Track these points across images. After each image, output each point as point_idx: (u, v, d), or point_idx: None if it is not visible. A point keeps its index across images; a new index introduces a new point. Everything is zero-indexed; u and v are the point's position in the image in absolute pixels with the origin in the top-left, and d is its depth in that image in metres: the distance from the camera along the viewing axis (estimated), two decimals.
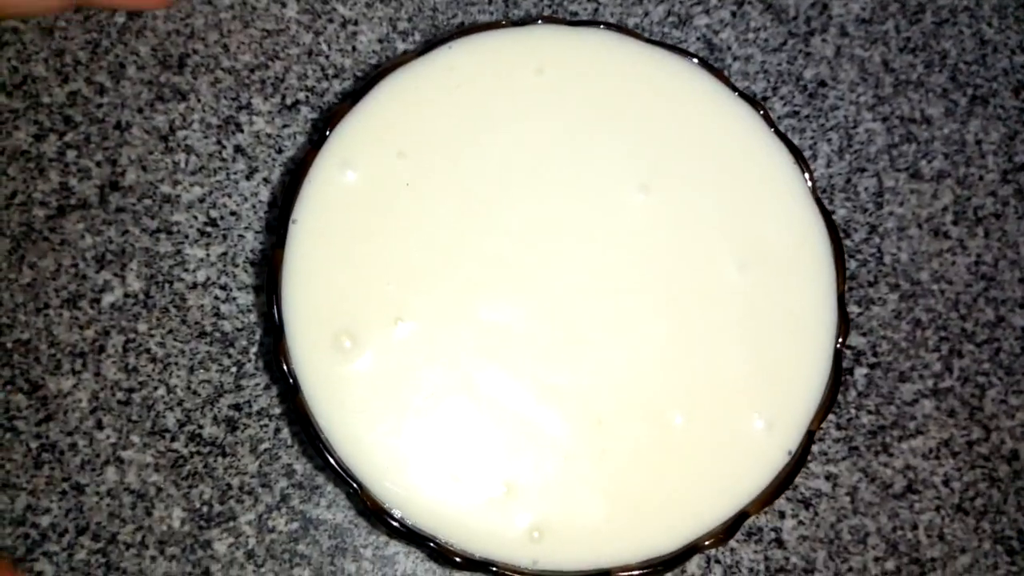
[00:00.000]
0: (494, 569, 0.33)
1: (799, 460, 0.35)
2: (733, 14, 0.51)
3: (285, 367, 0.35)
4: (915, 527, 0.45)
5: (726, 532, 0.34)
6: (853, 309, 0.47)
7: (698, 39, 0.51)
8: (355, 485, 0.34)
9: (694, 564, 0.43)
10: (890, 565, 0.44)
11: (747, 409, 0.36)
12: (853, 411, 0.46)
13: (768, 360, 0.37)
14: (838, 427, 0.46)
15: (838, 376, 0.36)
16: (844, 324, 0.37)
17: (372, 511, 0.33)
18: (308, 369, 0.35)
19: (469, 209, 0.38)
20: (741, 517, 0.34)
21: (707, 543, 0.34)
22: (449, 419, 0.35)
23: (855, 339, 0.47)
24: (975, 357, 0.48)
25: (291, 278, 0.36)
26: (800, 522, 0.44)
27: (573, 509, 0.34)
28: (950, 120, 0.51)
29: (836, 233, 0.39)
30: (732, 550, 0.44)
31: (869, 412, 0.46)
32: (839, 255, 0.38)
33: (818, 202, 0.40)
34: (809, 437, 0.36)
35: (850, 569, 0.44)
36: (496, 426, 0.35)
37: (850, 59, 0.52)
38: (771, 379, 0.37)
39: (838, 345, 0.37)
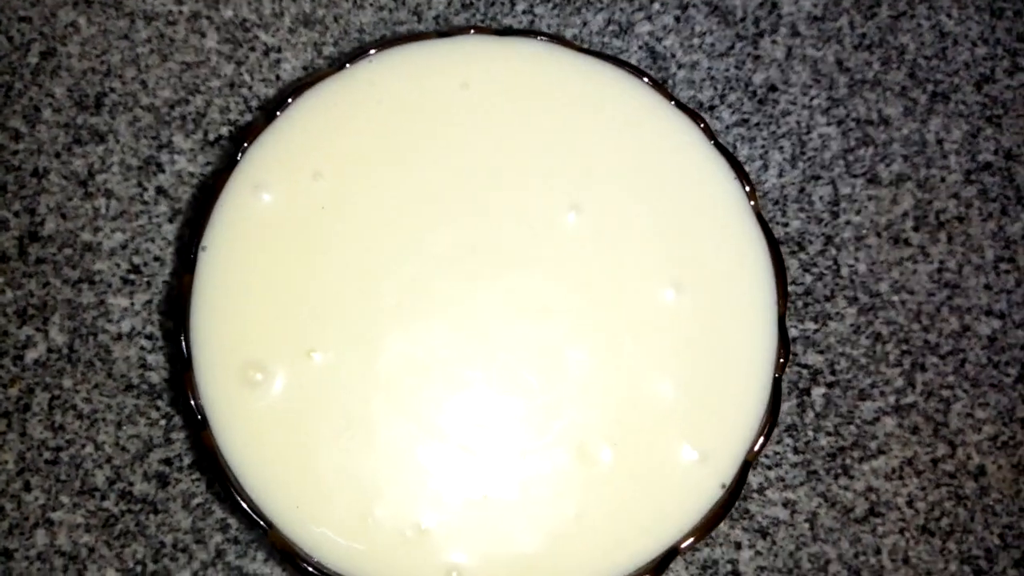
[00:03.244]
0: None
1: (733, 493, 0.34)
2: (677, 19, 0.49)
3: (192, 401, 0.33)
4: (878, 552, 0.43)
5: (655, 569, 0.32)
6: (809, 326, 0.45)
7: (640, 47, 0.48)
8: (264, 525, 0.32)
9: None
10: None
11: (679, 439, 0.35)
12: (811, 433, 0.44)
13: (703, 387, 0.35)
14: (795, 451, 0.44)
15: (776, 404, 0.34)
16: (784, 348, 0.35)
17: (282, 552, 0.32)
18: (216, 403, 0.33)
19: (388, 233, 0.36)
20: (671, 554, 0.33)
21: None
22: (363, 455, 0.33)
23: (811, 357, 0.45)
24: (939, 370, 0.46)
25: (200, 308, 0.34)
26: (757, 552, 0.43)
27: (492, 549, 0.33)
28: (909, 119, 0.49)
29: (778, 252, 0.37)
30: None
31: (828, 433, 0.44)
32: (780, 275, 0.36)
33: (759, 218, 0.38)
34: (744, 468, 0.34)
35: None
36: (413, 462, 0.34)
37: (802, 60, 0.49)
38: (706, 407, 0.35)
39: (776, 372, 0.35)
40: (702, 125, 0.38)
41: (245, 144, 0.35)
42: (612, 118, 0.38)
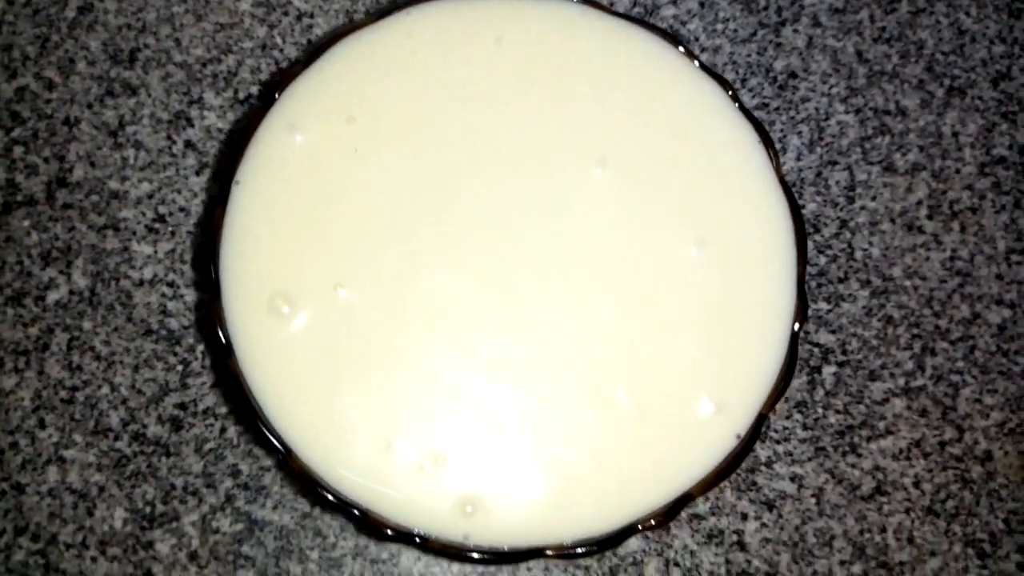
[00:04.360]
0: (423, 542, 0.31)
1: (747, 444, 0.34)
2: (701, 4, 0.50)
3: (219, 330, 0.33)
4: (883, 530, 0.44)
5: (666, 514, 0.33)
6: (822, 306, 0.46)
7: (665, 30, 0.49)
8: (283, 450, 0.33)
9: (652, 568, 0.42)
10: (857, 569, 0.43)
11: (697, 390, 0.35)
12: (820, 411, 0.45)
13: (722, 341, 0.36)
14: (804, 427, 0.44)
15: (793, 360, 0.35)
16: (803, 308, 0.35)
17: (299, 477, 0.32)
18: (243, 332, 0.34)
19: (418, 178, 0.37)
20: (683, 500, 0.33)
21: (645, 525, 0.32)
22: (385, 389, 0.34)
23: (824, 337, 0.45)
24: (949, 355, 0.46)
25: (230, 239, 0.35)
26: (763, 524, 0.43)
27: (508, 485, 0.33)
28: (926, 112, 0.50)
29: (799, 215, 0.38)
30: (692, 552, 0.42)
31: (837, 412, 0.45)
32: (801, 238, 0.37)
33: (782, 183, 0.39)
34: (759, 421, 0.34)
35: (815, 573, 0.43)
36: (433, 397, 0.34)
37: (822, 50, 0.50)
38: (724, 361, 0.36)
39: (795, 329, 0.35)
40: (730, 92, 0.39)
41: (282, 86, 0.36)
42: (641, 80, 0.39)
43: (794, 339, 0.35)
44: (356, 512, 0.31)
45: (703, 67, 0.39)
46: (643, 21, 0.40)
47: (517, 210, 0.36)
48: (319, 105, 0.36)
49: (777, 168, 0.37)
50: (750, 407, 0.34)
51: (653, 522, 0.33)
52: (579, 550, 0.32)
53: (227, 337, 0.33)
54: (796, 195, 0.47)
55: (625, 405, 0.34)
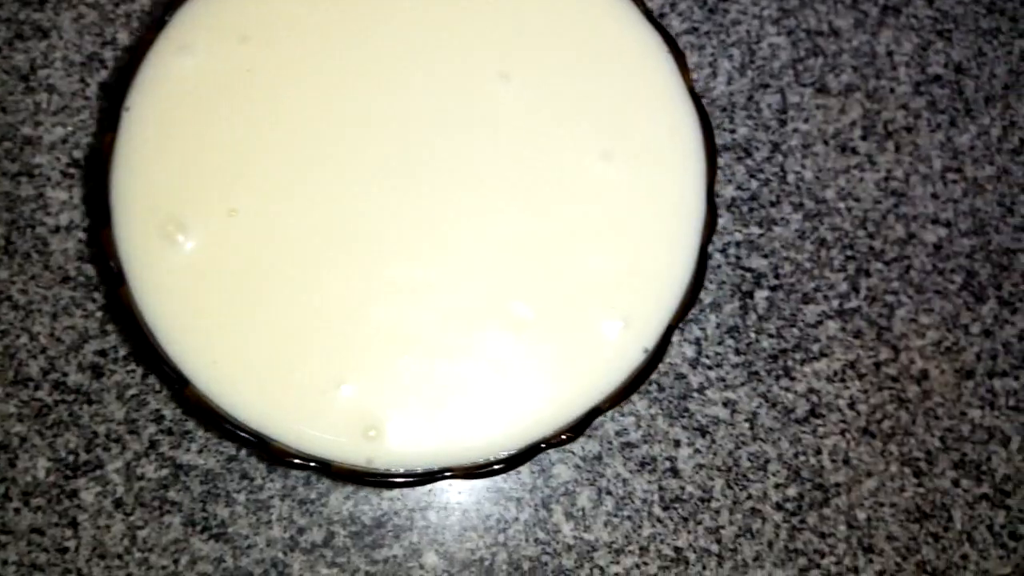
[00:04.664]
0: (325, 468, 0.31)
1: (655, 357, 0.33)
2: None
3: (110, 260, 0.33)
4: (819, 452, 0.43)
5: (574, 429, 0.32)
6: (754, 230, 0.45)
7: None
8: (179, 380, 0.32)
9: (584, 497, 0.42)
10: (792, 491, 0.43)
11: (605, 305, 0.35)
12: (753, 335, 0.44)
13: (630, 255, 0.35)
14: (737, 352, 0.44)
15: (702, 273, 0.34)
16: (711, 220, 0.35)
17: (197, 408, 0.32)
18: (134, 259, 0.33)
19: (313, 98, 0.36)
20: (592, 414, 0.33)
21: (552, 441, 0.32)
22: (282, 314, 0.33)
23: (755, 261, 0.45)
24: (884, 276, 0.46)
25: (120, 167, 0.34)
26: (696, 450, 0.43)
27: (411, 407, 0.33)
28: (859, 31, 0.49)
29: (708, 125, 0.37)
30: (625, 481, 0.42)
31: (770, 336, 0.44)
32: (710, 148, 0.36)
33: (691, 92, 0.38)
34: (667, 334, 0.34)
35: (749, 497, 0.43)
36: (333, 321, 0.33)
37: None
38: (632, 275, 0.35)
39: (704, 241, 0.35)
40: (635, 1, 0.38)
41: (172, 6, 0.35)
42: None
43: (703, 252, 0.34)
44: (254, 440, 0.31)
45: None
46: None
47: (418, 128, 0.36)
48: (210, 25, 0.35)
49: (685, 77, 0.36)
50: (659, 321, 0.34)
51: (564, 437, 0.32)
52: (484, 469, 0.31)
53: (118, 265, 0.32)
54: (727, 119, 0.46)
55: (531, 322, 0.34)
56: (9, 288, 0.42)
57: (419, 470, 0.32)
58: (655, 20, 0.37)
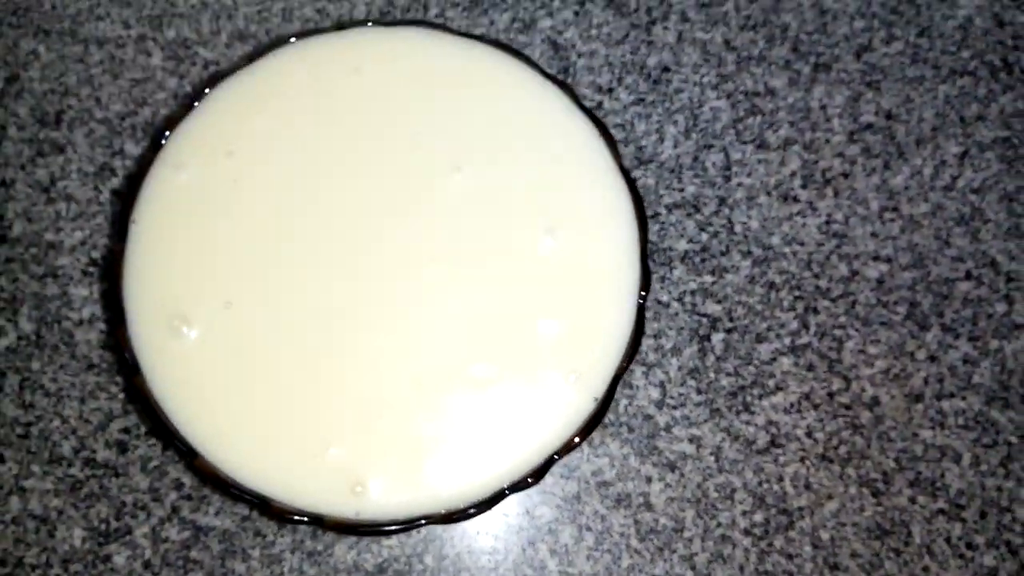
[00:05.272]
0: (320, 521, 0.35)
1: (604, 405, 0.38)
2: (576, 13, 0.54)
3: (126, 352, 0.38)
4: (780, 479, 0.47)
5: (535, 475, 0.36)
6: (707, 279, 0.50)
7: (543, 40, 0.53)
8: (190, 453, 0.37)
9: (567, 534, 0.46)
10: (758, 517, 0.46)
11: (557, 362, 0.39)
12: (713, 375, 0.48)
13: (576, 316, 0.40)
14: (698, 391, 0.48)
15: (640, 326, 0.39)
16: (646, 279, 0.39)
17: (209, 477, 0.36)
18: (146, 351, 0.38)
19: (292, 200, 0.42)
20: (549, 461, 0.37)
21: (516, 487, 0.36)
22: (275, 390, 0.38)
23: (710, 307, 0.49)
24: (831, 312, 0.50)
25: (130, 272, 0.39)
26: (667, 485, 0.47)
27: (391, 464, 0.37)
28: (794, 89, 0.54)
29: (638, 196, 0.42)
30: (603, 517, 0.46)
31: (728, 374, 0.48)
32: (641, 216, 0.41)
33: (621, 169, 0.43)
34: (614, 383, 0.38)
35: (719, 524, 0.46)
36: (319, 393, 0.38)
37: (692, 43, 0.54)
38: (580, 333, 0.40)
39: (640, 298, 0.39)
40: (568, 93, 0.43)
41: (166, 130, 0.41)
42: (488, 90, 0.43)
43: (640, 308, 0.39)
44: (257, 501, 0.36)
45: (544, 73, 0.44)
46: (485, 38, 0.44)
47: (384, 219, 0.41)
48: (200, 143, 0.41)
49: (615, 156, 0.41)
50: (606, 372, 0.38)
51: (528, 481, 0.37)
52: (459, 514, 0.36)
53: (133, 357, 0.37)
54: (675, 179, 0.51)
55: (492, 380, 0.38)
56: (41, 378, 0.47)
57: (401, 518, 0.36)
58: (587, 109, 0.42)
